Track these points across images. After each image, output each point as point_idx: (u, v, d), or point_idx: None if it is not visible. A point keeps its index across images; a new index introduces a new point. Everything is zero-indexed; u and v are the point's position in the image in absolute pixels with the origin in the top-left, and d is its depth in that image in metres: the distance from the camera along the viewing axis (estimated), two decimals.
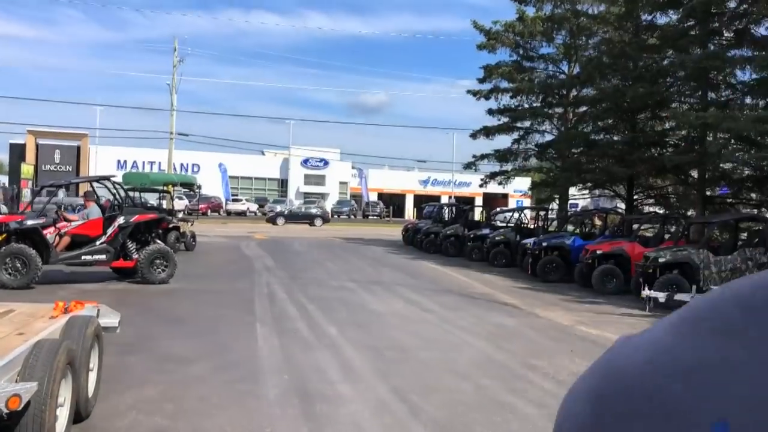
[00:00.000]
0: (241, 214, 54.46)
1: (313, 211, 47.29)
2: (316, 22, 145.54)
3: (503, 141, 25.78)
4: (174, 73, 45.31)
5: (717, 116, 16.10)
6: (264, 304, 10.90)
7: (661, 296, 11.85)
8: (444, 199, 68.03)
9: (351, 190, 70.87)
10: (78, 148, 61.36)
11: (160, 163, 56.47)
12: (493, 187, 72.35)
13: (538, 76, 25.62)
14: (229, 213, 54.63)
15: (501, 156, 25.19)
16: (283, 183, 68.14)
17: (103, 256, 12.26)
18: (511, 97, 25.79)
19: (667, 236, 16.25)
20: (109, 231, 12.36)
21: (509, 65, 25.07)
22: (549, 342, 8.81)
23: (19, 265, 11.21)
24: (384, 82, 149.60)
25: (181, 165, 58.70)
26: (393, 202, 66.88)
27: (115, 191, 14.05)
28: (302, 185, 67.71)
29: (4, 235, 11.48)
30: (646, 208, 24.94)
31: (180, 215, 23.28)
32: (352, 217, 60.90)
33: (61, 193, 23.24)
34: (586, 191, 24.71)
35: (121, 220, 12.49)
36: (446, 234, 23.92)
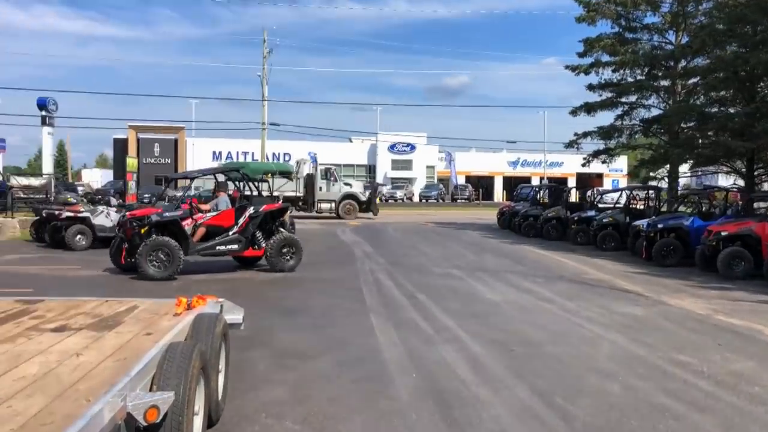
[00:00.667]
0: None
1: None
2: (397, 7, 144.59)
3: (605, 118, 24.43)
4: (264, 64, 46.07)
5: None
6: (372, 293, 10.55)
7: None
8: (534, 181, 66.19)
9: (438, 173, 70.15)
10: (176, 141, 63.62)
11: (253, 153, 57.74)
12: (588, 167, 70.04)
13: (642, 48, 24.04)
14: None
15: (605, 133, 23.83)
16: (370, 169, 68.17)
17: (236, 246, 12.46)
18: (613, 71, 24.35)
19: None
20: (241, 221, 12.53)
21: (611, 37, 23.63)
22: (689, 334, 7.99)
23: (162, 257, 11.37)
24: (466, 64, 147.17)
25: (273, 154, 59.79)
26: (481, 185, 65.66)
27: (244, 182, 14.17)
28: (389, 170, 67.59)
29: (146, 228, 11.71)
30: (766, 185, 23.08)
31: (280, 203, 23.45)
32: (440, 201, 60.24)
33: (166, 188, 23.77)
34: (699, 168, 23.03)
35: (251, 210, 12.67)
36: (547, 217, 22.94)
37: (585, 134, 24.18)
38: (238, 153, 62.80)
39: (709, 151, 20.47)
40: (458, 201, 59.33)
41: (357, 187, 34.65)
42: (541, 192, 27.80)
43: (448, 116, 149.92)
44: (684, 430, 4.75)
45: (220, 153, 62.98)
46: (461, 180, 66.88)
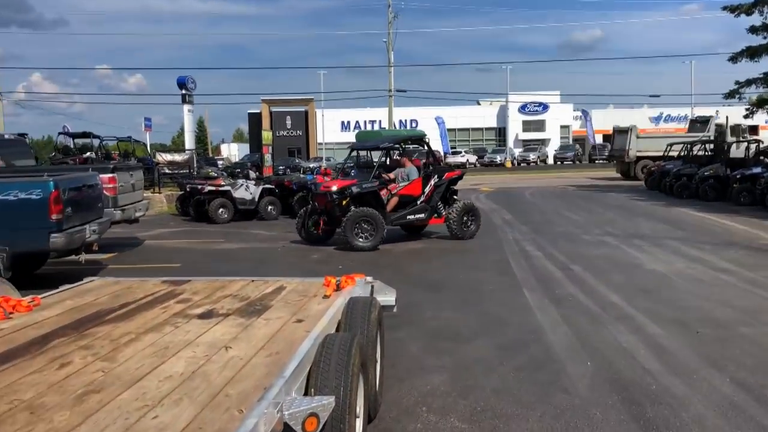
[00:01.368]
0: (461, 166, 53.87)
1: None
2: None
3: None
4: (389, 29, 45.53)
5: None
6: (521, 265, 9.81)
7: None
8: None
9: (573, 133, 66.92)
10: (306, 113, 65.08)
11: (380, 121, 57.81)
12: (737, 119, 64.25)
13: None
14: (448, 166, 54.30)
15: None
16: (500, 132, 66.33)
17: (423, 215, 12.52)
18: None
19: None
20: (427, 190, 12.58)
21: None
22: None
23: (366, 227, 11.40)
24: (598, 16, 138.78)
25: (400, 121, 59.58)
26: None
27: (429, 150, 14.15)
28: (521, 132, 65.36)
29: (347, 199, 11.74)
30: None
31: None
32: (577, 162, 57.45)
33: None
34: None
35: (435, 178, 12.72)
36: (704, 175, 20.89)
37: (749, 82, 21.63)
38: (365, 122, 63.18)
39: None
40: (596, 162, 56.22)
41: None
42: (696, 148, 25.44)
43: (582, 72, 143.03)
44: None
45: (348, 123, 63.67)
46: (599, 139, 63.34)
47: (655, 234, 12.99)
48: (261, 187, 17.23)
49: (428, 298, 7.63)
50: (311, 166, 45.58)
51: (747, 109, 23.48)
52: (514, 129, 65.05)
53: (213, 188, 16.66)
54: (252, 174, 17.82)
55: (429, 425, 4.07)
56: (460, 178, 13.46)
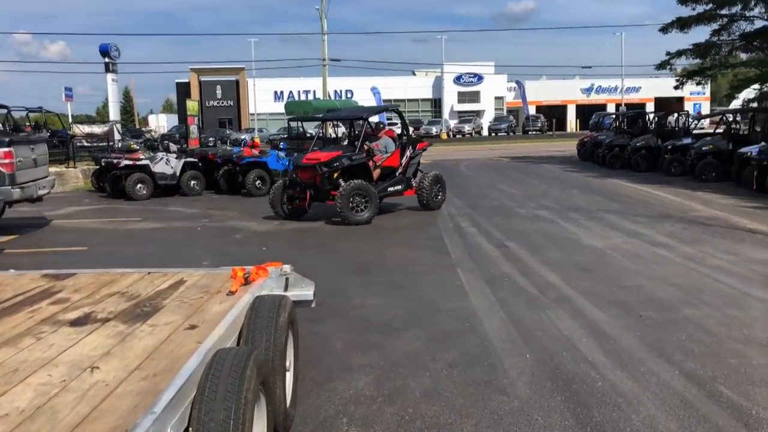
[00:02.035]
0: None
1: None
2: None
3: (697, 35, 21.80)
4: None
5: None
6: (456, 242, 9.36)
7: None
8: (610, 108, 62.61)
9: (507, 105, 67.35)
10: (237, 83, 63.03)
11: (314, 91, 56.51)
12: (665, 90, 65.54)
13: None
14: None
15: (702, 50, 21.38)
16: (436, 103, 66.08)
17: (400, 187, 12.41)
18: None
19: None
20: (403, 161, 12.48)
21: None
22: None
23: (360, 200, 11.03)
24: None
25: (335, 92, 58.46)
26: (552, 115, 62.54)
27: (402, 121, 13.97)
28: (456, 104, 65.27)
29: (338, 172, 11.37)
30: None
31: (345, 143, 22.35)
32: (511, 133, 57.81)
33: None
34: None
35: (410, 150, 12.65)
36: (636, 146, 21.02)
37: (679, 53, 21.76)
38: (299, 92, 61.78)
39: None
40: (530, 133, 56.75)
41: None
42: (622, 119, 25.66)
43: (515, 43, 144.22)
44: None
45: (281, 92, 62.09)
46: (532, 110, 63.91)
47: (591, 206, 12.80)
48: (183, 161, 16.23)
49: (356, 282, 7.06)
50: (243, 137, 44.27)
51: (677, 80, 23.71)
52: (450, 100, 64.91)
53: (130, 162, 15.56)
54: (173, 147, 16.75)
55: None
56: (425, 149, 13.46)
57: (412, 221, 11.49)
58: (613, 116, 30.11)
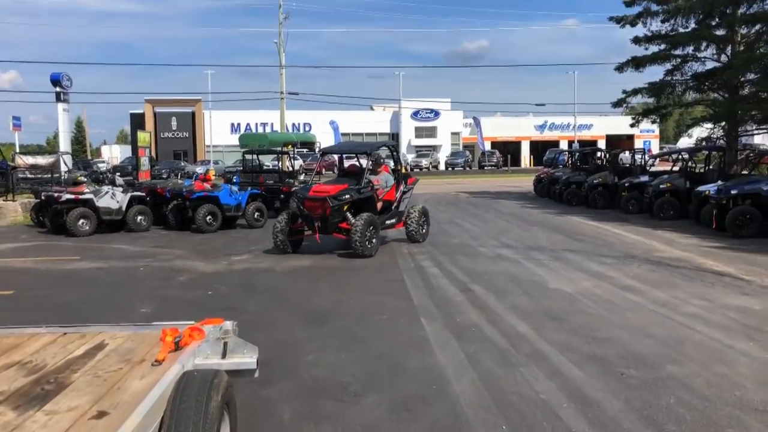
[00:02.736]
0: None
1: None
2: None
3: (651, 74, 22.06)
4: (280, 30, 43.89)
5: None
6: (417, 284, 8.82)
7: None
8: (563, 145, 63.62)
9: (463, 140, 67.87)
10: (193, 114, 62.12)
11: (272, 124, 56.02)
12: (616, 128, 66.95)
13: None
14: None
15: (657, 89, 21.58)
16: (394, 137, 66.10)
17: (394, 220, 12.65)
18: (663, 21, 21.99)
19: None
20: (398, 195, 12.83)
21: None
22: None
23: (368, 234, 11.05)
24: (484, 28, 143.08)
25: (293, 125, 58.02)
26: (507, 150, 63.19)
27: (396, 157, 14.13)
28: (413, 138, 65.48)
29: (348, 205, 11.43)
30: None
31: (301, 177, 21.77)
32: (467, 168, 58.06)
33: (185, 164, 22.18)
34: (764, 126, 20.71)
35: (403, 185, 12.98)
36: (593, 183, 20.96)
37: (635, 91, 21.93)
38: (256, 124, 61.07)
39: None
40: (486, 168, 57.08)
41: None
42: (575, 156, 25.78)
43: (470, 81, 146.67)
44: None
45: (238, 125, 61.29)
46: (487, 146, 64.49)
47: (553, 246, 12.45)
48: (129, 195, 15.37)
49: (310, 334, 6.42)
50: (197, 169, 43.26)
51: (633, 118, 23.91)
52: (407, 135, 65.10)
53: (72, 196, 14.63)
54: (119, 180, 15.88)
55: None
56: (414, 184, 13.86)
57: (369, 261, 10.91)
58: (567, 153, 30.39)
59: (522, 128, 69.59)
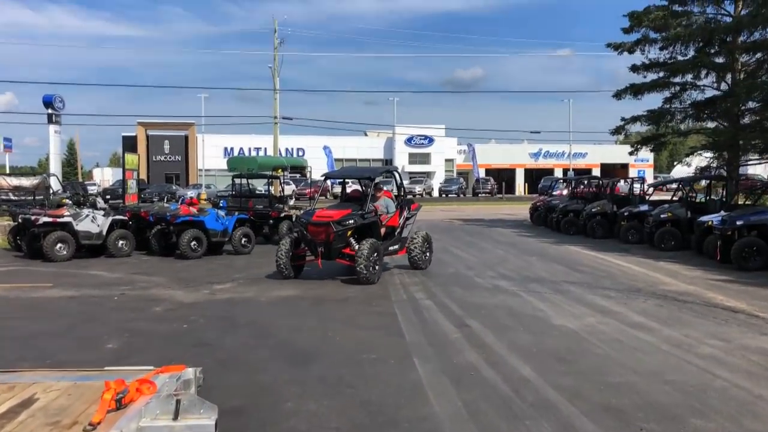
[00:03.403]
0: None
1: None
2: (407, 3, 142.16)
3: (650, 102, 21.75)
4: (275, 55, 43.69)
5: None
6: (410, 319, 8.21)
7: None
8: (558, 173, 63.41)
9: (457, 167, 67.56)
10: (186, 138, 61.61)
11: (265, 148, 55.50)
12: (611, 157, 67.01)
13: (696, 21, 21.32)
14: (335, 196, 52.84)
15: (656, 117, 21.21)
16: (387, 163, 65.71)
17: (397, 246, 12.35)
18: (661, 48, 21.71)
19: None
20: (401, 221, 12.53)
21: (661, 9, 20.96)
22: None
23: (375, 259, 10.83)
24: (477, 57, 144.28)
25: (287, 149, 57.66)
26: (501, 178, 62.88)
27: (399, 182, 13.76)
28: (407, 164, 65.09)
29: (352, 230, 11.15)
30: None
31: (291, 202, 21.20)
32: (461, 195, 57.59)
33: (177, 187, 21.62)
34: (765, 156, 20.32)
35: (406, 211, 12.72)
36: (591, 212, 20.44)
37: (634, 119, 21.56)
38: (250, 149, 60.59)
39: None
40: (480, 195, 56.65)
41: None
42: (560, 184, 25.41)
43: (465, 108, 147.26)
44: None
45: (231, 149, 60.82)
46: (481, 173, 64.21)
47: (553, 277, 11.87)
48: (110, 219, 14.72)
49: (292, 376, 5.78)
50: (189, 193, 42.63)
51: (632, 146, 23.52)
52: (401, 161, 64.65)
53: (50, 219, 13.98)
54: (100, 203, 15.24)
55: None
56: (417, 210, 13.49)
57: (359, 291, 10.30)
58: (563, 181, 29.98)
59: (516, 156, 69.40)
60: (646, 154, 57.34)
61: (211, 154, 59.09)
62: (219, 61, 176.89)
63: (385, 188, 13.56)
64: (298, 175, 41.55)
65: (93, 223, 14.37)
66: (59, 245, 13.83)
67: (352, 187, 14.80)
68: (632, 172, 60.78)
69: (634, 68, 22.29)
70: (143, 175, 52.73)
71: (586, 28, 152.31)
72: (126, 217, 15.30)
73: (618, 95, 22.05)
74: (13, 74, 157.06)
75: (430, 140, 65.06)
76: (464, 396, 5.19)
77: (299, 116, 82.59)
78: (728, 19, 20.85)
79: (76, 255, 14.16)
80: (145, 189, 44.49)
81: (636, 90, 21.51)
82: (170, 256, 14.69)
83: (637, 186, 22.58)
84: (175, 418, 2.93)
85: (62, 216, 14.10)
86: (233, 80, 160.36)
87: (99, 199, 15.53)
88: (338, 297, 9.85)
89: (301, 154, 59.04)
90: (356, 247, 10.93)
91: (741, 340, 7.12)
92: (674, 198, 18.84)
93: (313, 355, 6.46)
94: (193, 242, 14.37)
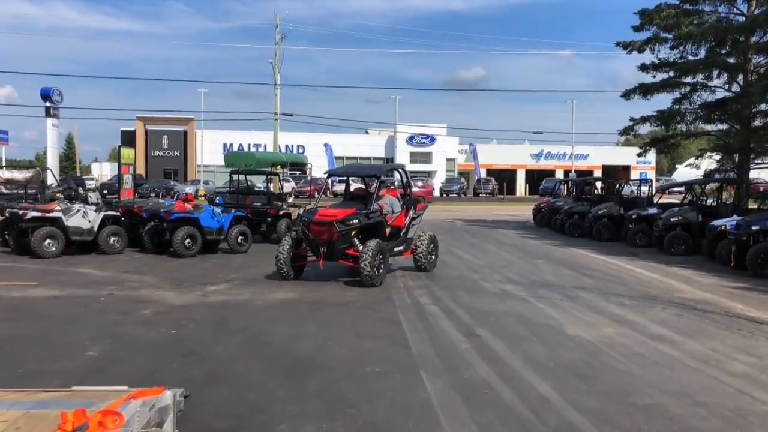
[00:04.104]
0: None
1: None
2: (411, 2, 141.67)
3: (658, 102, 21.25)
4: (276, 50, 43.18)
5: None
6: (415, 326, 7.69)
7: None
8: (559, 174, 62.87)
9: (459, 166, 67.02)
10: (185, 133, 61.08)
11: (265, 145, 54.97)
12: (612, 159, 66.61)
13: (708, 20, 20.77)
14: (335, 195, 52.31)
15: (665, 117, 20.68)
16: (388, 162, 65.18)
17: (402, 248, 11.98)
18: (672, 48, 21.17)
19: None
20: (407, 221, 12.15)
21: (673, 7, 20.42)
22: None
23: (380, 260, 10.40)
24: (480, 56, 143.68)
25: (287, 146, 57.13)
26: (502, 178, 62.35)
27: (406, 182, 13.11)
28: (408, 164, 64.52)
29: (356, 230, 10.71)
30: None
31: (290, 200, 20.68)
32: (462, 195, 57.06)
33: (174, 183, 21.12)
34: None
35: (412, 211, 12.34)
36: (597, 215, 19.92)
37: (643, 119, 21.02)
38: (249, 145, 59.99)
39: None
40: (481, 195, 56.16)
41: None
42: (563, 186, 24.87)
43: (467, 107, 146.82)
44: None
45: (231, 145, 60.22)
46: (483, 173, 63.71)
47: (562, 282, 11.36)
48: (102, 215, 14.18)
49: (288, 391, 5.25)
50: (187, 189, 42.06)
51: (641, 147, 23.00)
52: (402, 160, 64.05)
53: (38, 214, 13.45)
54: (92, 197, 14.69)
55: None
56: (424, 210, 13.16)
57: (361, 294, 9.78)
58: (563, 182, 29.41)
59: (518, 156, 68.88)
60: (649, 156, 56.88)
61: (210, 149, 58.52)
62: (220, 57, 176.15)
63: (390, 186, 13.10)
64: (298, 173, 41.00)
65: (84, 218, 13.84)
66: (48, 241, 13.30)
67: (354, 185, 14.29)
68: (634, 175, 60.35)
69: (644, 67, 21.76)
70: (141, 170, 52.18)
71: (590, 29, 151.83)
72: (118, 213, 14.77)
73: (626, 95, 21.53)
74: (12, 66, 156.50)
75: (432, 139, 64.51)
76: (478, 418, 4.67)
77: (300, 113, 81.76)
78: (741, 19, 20.32)
79: (66, 251, 13.64)
80: (143, 184, 43.96)
81: (645, 90, 20.98)
82: (164, 253, 14.18)
83: (643, 188, 22.06)
84: None
85: (51, 211, 13.57)
86: (234, 76, 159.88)
87: (91, 194, 14.98)
88: (339, 301, 9.32)
89: (301, 151, 58.52)
90: (360, 247, 10.44)
91: None
92: (683, 201, 18.32)
93: (312, 368, 5.93)
94: (188, 240, 13.83)
